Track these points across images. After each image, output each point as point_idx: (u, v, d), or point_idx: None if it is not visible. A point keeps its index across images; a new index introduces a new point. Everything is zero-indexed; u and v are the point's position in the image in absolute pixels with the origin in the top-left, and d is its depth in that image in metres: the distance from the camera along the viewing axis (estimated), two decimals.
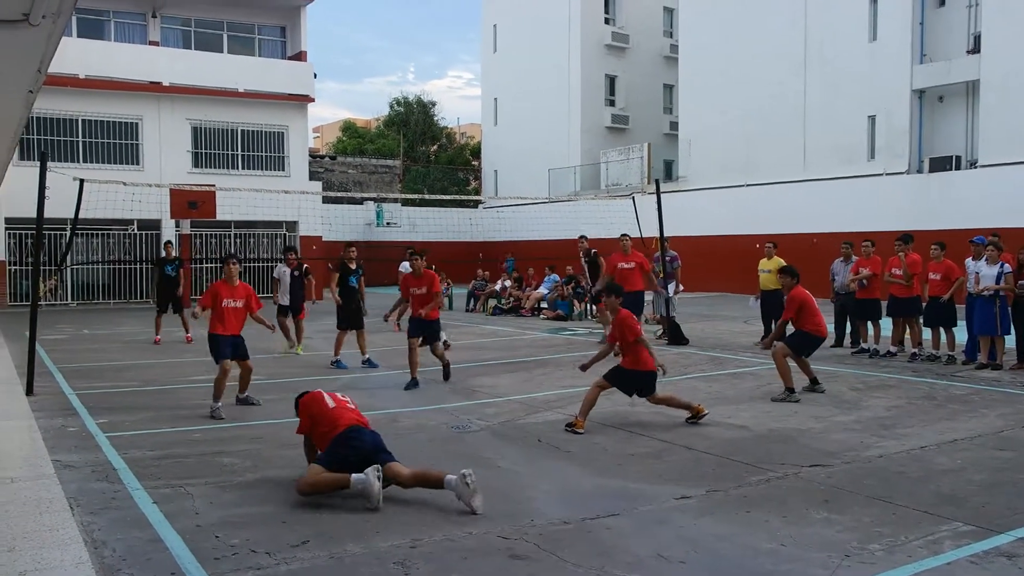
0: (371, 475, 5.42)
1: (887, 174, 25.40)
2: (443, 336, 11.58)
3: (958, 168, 24.06)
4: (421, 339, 10.48)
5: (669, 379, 10.79)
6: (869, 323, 13.04)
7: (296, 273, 13.97)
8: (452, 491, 5.44)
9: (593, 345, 12.81)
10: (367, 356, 12.07)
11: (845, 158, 26.61)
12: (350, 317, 12.24)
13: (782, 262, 13.67)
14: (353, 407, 6.20)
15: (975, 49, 24.08)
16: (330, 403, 6.13)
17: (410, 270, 10.95)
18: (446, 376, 10.70)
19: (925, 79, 25.01)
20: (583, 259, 15.96)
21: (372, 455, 5.68)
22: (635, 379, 7.93)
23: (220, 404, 8.56)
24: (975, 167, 23.81)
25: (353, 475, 5.50)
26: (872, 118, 26.11)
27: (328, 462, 5.70)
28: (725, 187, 29.93)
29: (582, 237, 16.26)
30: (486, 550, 4.70)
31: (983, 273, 11.24)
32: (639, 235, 16.02)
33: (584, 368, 8.46)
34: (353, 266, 12.35)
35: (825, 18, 27.16)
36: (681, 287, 15.77)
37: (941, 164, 24.26)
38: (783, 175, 28.12)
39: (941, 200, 23.43)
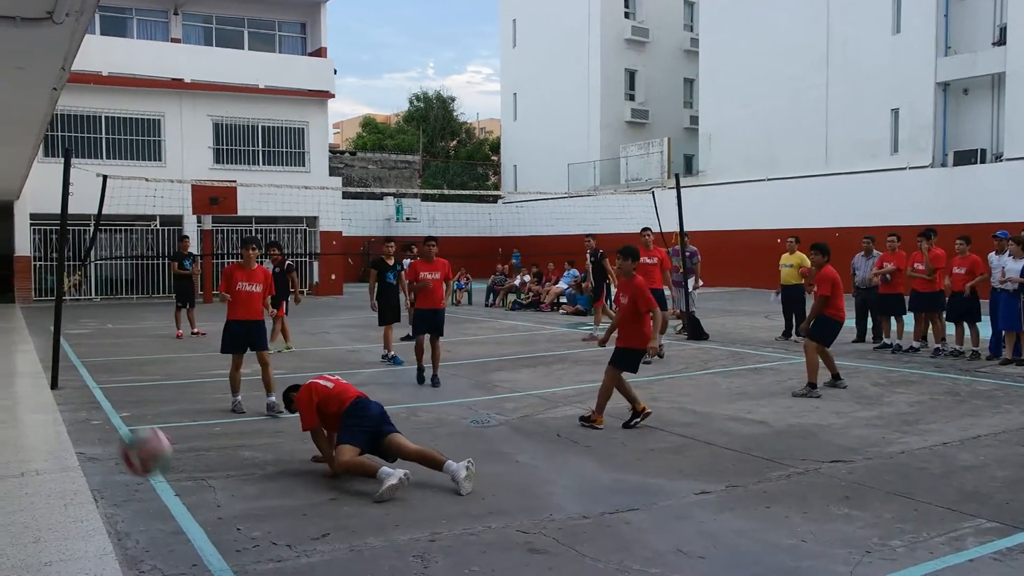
0: (397, 475, 5.51)
1: (910, 168, 25.13)
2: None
3: (983, 161, 23.78)
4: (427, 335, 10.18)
5: (690, 374, 10.78)
6: (892, 318, 12.92)
7: (278, 270, 13.43)
8: (449, 475, 5.64)
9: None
10: (393, 352, 12.09)
11: (868, 152, 26.37)
12: (391, 312, 12.09)
13: (805, 257, 13.59)
14: (346, 383, 6.40)
15: (1000, 41, 23.76)
16: (328, 384, 6.28)
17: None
18: (434, 381, 10.09)
19: (949, 72, 24.71)
20: (589, 259, 15.83)
21: (380, 425, 6.01)
22: (636, 356, 7.82)
23: (239, 397, 8.54)
24: (1000, 160, 23.51)
25: (384, 468, 5.64)
26: (895, 111, 25.85)
27: (349, 439, 5.90)
28: (746, 181, 29.76)
29: (589, 236, 16.18)
30: (505, 544, 4.71)
31: (1008, 267, 11.11)
32: (659, 230, 15.99)
33: (602, 343, 8.47)
34: (391, 262, 12.24)
35: (848, 10, 26.90)
36: (701, 282, 15.67)
37: (966, 157, 23.99)
38: (805, 169, 27.92)
39: (966, 194, 23.16)
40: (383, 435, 5.98)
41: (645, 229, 13.27)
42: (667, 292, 14.07)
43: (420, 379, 10.22)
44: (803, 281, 13.80)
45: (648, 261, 12.43)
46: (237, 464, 6.45)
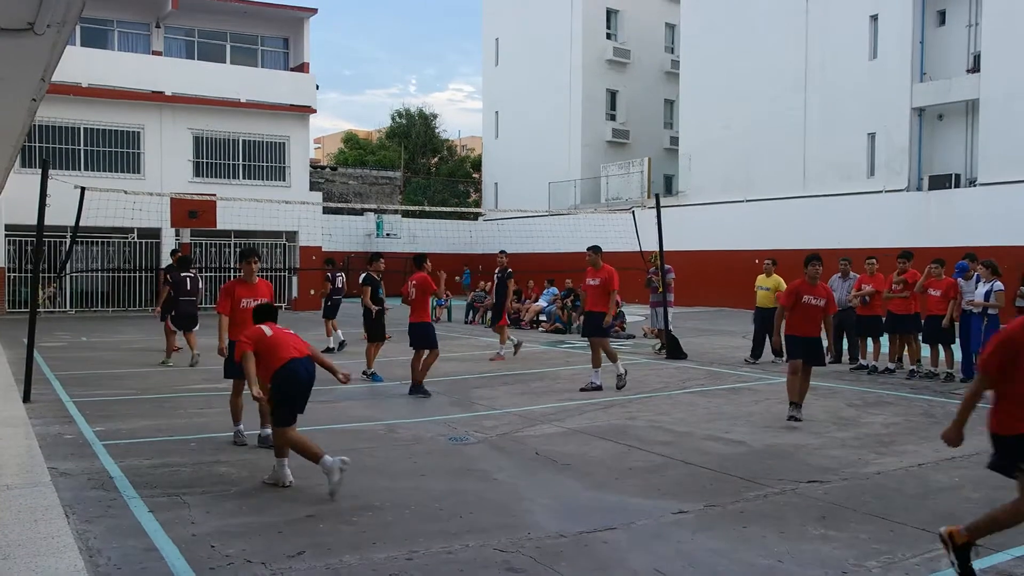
0: (336, 466, 5.86)
1: (887, 191, 25.46)
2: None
3: (957, 186, 24.13)
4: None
5: (668, 394, 10.81)
6: (869, 339, 13.04)
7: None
8: (323, 469, 5.89)
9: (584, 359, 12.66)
10: (373, 369, 12.05)
11: (845, 175, 26.69)
12: (380, 329, 12.20)
13: (781, 281, 13.68)
14: (288, 332, 6.58)
15: (975, 68, 24.19)
16: (268, 332, 6.46)
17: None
18: (414, 390, 10.56)
19: (925, 97, 25.11)
20: (496, 274, 15.69)
21: (305, 392, 6.32)
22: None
23: (242, 427, 7.74)
24: (974, 185, 23.87)
25: (325, 457, 5.93)
26: (872, 135, 26.21)
27: (279, 402, 6.22)
28: (725, 202, 30.00)
29: (502, 252, 16.16)
30: (483, 563, 4.69)
31: (977, 292, 11.29)
32: (639, 249, 16.07)
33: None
34: (379, 278, 12.41)
35: (826, 36, 27.29)
36: (671, 297, 15.61)
37: (940, 182, 24.33)
38: (783, 191, 28.20)
39: (940, 217, 23.48)
40: (297, 411, 6.32)
41: (591, 248, 11.35)
42: (645, 311, 14.06)
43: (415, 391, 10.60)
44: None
45: (592, 283, 11.19)
46: (212, 480, 6.38)
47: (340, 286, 16.81)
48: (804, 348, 8.94)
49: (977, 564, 4.65)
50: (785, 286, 13.59)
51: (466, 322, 23.21)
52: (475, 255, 38.17)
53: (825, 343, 9.26)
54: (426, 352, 10.71)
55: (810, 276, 9.03)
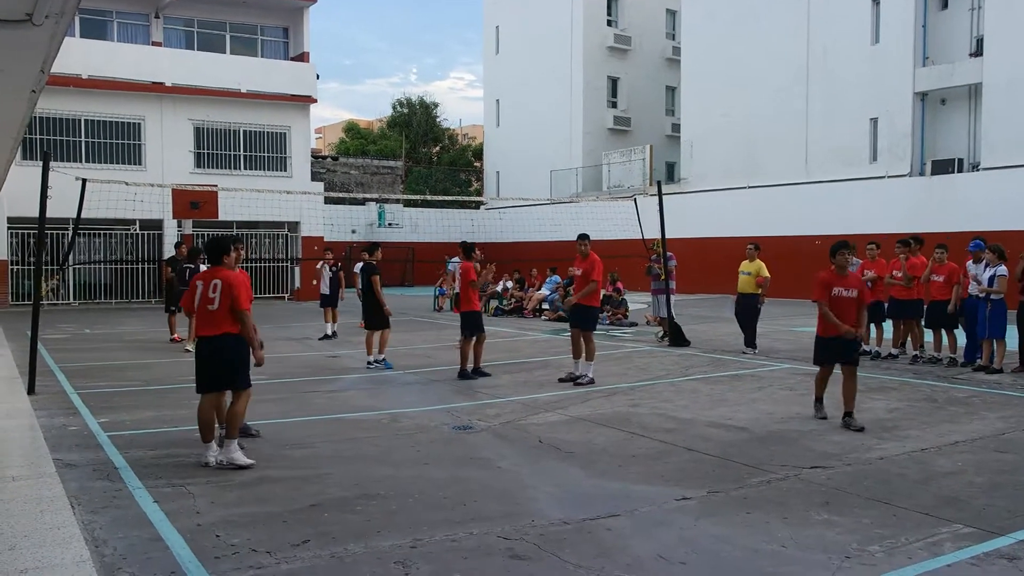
0: (211, 454, 6.47)
1: (889, 176, 25.39)
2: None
3: (960, 171, 24.06)
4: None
5: (671, 380, 10.81)
6: (872, 325, 13.00)
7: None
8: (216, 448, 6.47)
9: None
10: (383, 356, 12.01)
11: (847, 160, 26.61)
12: (381, 318, 12.09)
13: (762, 265, 13.53)
14: (214, 308, 6.47)
15: (978, 52, 24.07)
16: (197, 299, 6.61)
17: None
18: (471, 374, 11.11)
19: (927, 82, 25.01)
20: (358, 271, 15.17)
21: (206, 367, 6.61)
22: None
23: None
24: (977, 170, 23.80)
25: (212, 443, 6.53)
26: (874, 120, 26.11)
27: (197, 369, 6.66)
28: (727, 189, 29.93)
29: (365, 250, 15.86)
30: (487, 550, 4.70)
31: (983, 276, 11.26)
32: (641, 236, 16.05)
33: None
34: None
35: (827, 21, 27.16)
36: (673, 284, 15.51)
37: (943, 167, 24.26)
38: (785, 177, 28.13)
39: (943, 202, 23.42)
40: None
41: (581, 236, 10.99)
42: (647, 299, 13.98)
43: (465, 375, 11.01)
44: (759, 291, 13.46)
45: (575, 272, 11.05)
46: (216, 470, 6.39)
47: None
48: (835, 349, 8.04)
49: (979, 548, 4.66)
50: (766, 272, 13.53)
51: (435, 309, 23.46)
52: (477, 244, 38.08)
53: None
54: (474, 339, 11.08)
55: (839, 266, 8.14)
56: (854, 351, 8.10)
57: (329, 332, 16.16)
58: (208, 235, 27.71)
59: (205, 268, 7.86)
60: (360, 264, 13.81)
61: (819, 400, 8.39)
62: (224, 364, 6.53)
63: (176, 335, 15.49)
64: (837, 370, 8.12)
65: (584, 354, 10.62)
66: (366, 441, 7.44)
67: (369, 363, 11.96)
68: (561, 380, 10.69)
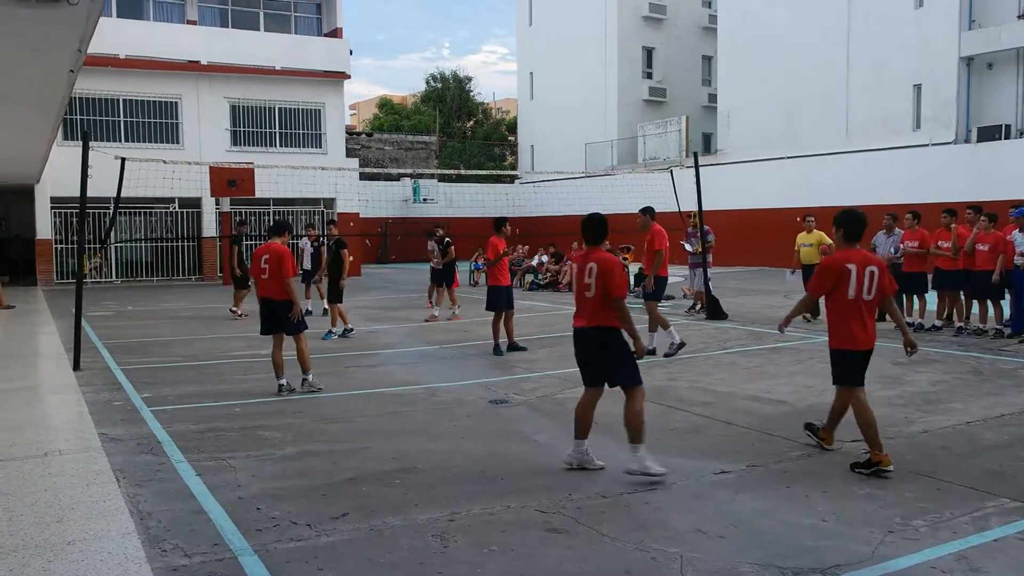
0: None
1: (933, 144, 24.78)
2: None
3: (1007, 137, 23.40)
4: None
5: (708, 354, 10.72)
6: (915, 296, 12.76)
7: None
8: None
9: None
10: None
11: (890, 128, 26.01)
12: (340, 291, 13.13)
13: (823, 235, 13.43)
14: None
15: None
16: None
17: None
18: (503, 350, 11.05)
19: (973, 46, 24.28)
20: (327, 245, 14.59)
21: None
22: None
23: (284, 380, 8.47)
24: None
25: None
26: (918, 87, 25.45)
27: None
28: (765, 160, 29.46)
29: (331, 222, 15.55)
30: (524, 523, 4.71)
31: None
32: (677, 209, 15.87)
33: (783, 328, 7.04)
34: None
35: None
36: (710, 258, 15.42)
37: (990, 133, 23.61)
38: (825, 147, 27.59)
39: (990, 170, 22.81)
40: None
41: (642, 210, 11.06)
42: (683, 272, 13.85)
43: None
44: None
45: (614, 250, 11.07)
46: (257, 444, 6.48)
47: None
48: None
49: (981, 538, 4.55)
50: (828, 239, 13.39)
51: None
52: (513, 218, 38.05)
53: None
54: (503, 316, 11.15)
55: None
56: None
57: (307, 308, 14.93)
58: (243, 212, 28.11)
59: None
60: (335, 238, 13.93)
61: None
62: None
63: (240, 311, 15.54)
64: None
65: (660, 324, 10.72)
66: (404, 415, 7.49)
67: (346, 332, 12.76)
68: (667, 355, 10.41)
